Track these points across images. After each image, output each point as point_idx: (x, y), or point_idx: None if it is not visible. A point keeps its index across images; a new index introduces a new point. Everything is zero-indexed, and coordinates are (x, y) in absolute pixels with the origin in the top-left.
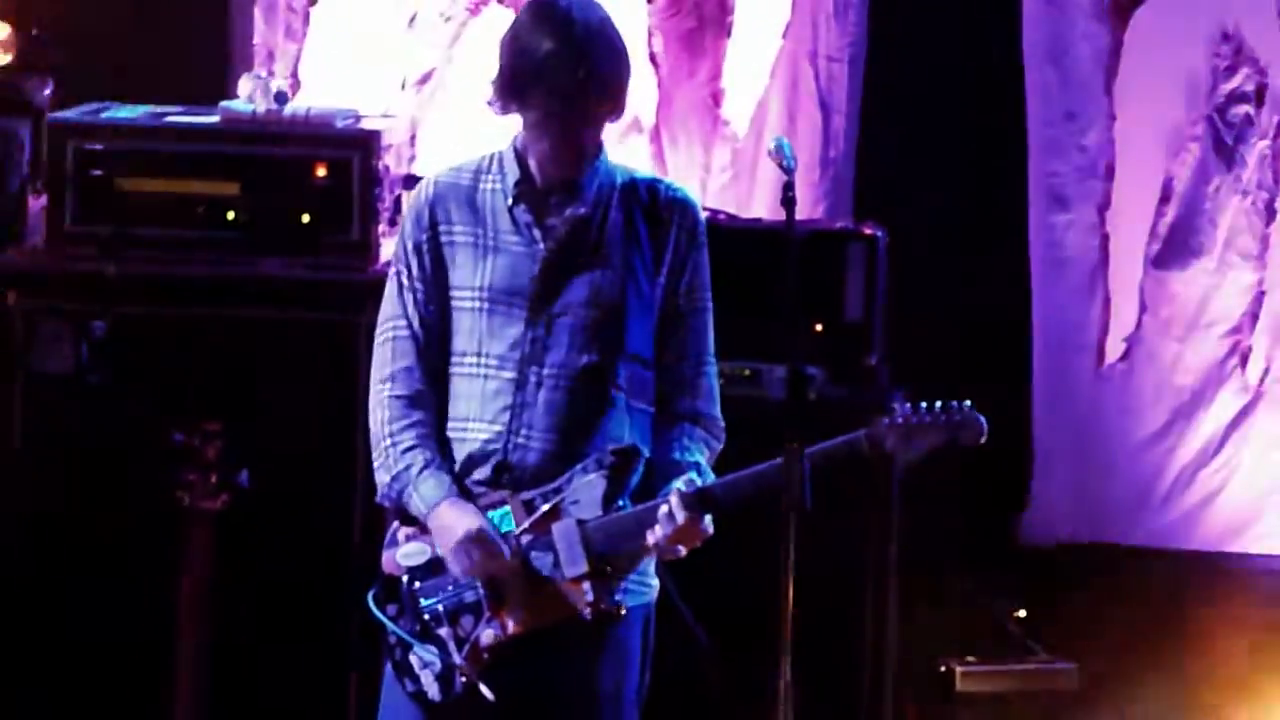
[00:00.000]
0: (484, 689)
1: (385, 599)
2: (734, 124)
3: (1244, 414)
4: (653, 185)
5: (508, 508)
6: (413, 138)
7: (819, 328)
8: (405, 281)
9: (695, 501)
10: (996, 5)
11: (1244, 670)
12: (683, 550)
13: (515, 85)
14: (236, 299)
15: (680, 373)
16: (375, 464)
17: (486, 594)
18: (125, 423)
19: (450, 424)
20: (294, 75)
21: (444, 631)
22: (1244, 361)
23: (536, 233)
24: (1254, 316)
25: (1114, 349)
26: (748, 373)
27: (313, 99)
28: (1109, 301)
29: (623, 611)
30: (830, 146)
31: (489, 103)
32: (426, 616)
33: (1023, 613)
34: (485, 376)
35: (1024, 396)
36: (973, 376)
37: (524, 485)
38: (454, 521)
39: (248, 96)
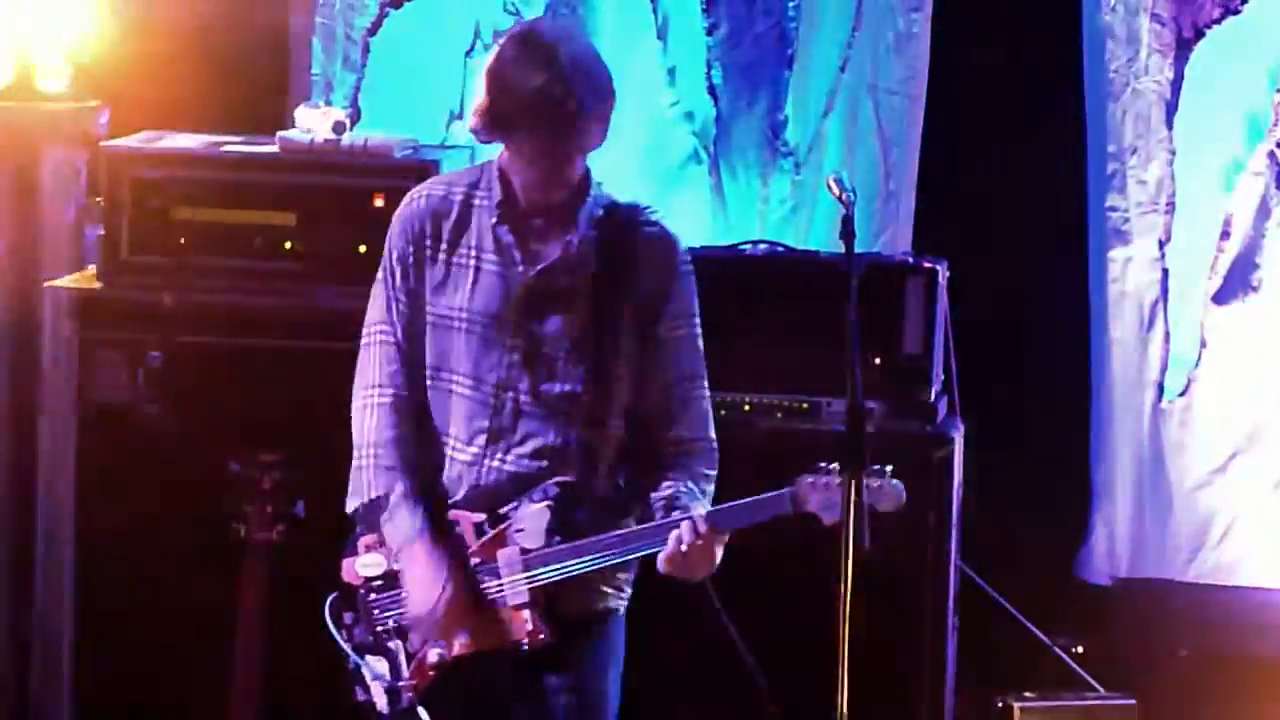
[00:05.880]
0: (421, 711)
1: (343, 606)
2: (793, 156)
3: None
4: (631, 216)
5: (460, 528)
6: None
7: (877, 361)
8: (390, 291)
9: (713, 519)
10: (1058, 38)
11: None
12: (693, 569)
13: (502, 117)
14: (293, 329)
15: (665, 401)
16: (354, 467)
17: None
18: (181, 453)
19: (437, 437)
20: (353, 105)
21: (394, 645)
22: None
23: (517, 254)
24: None
25: (1174, 385)
26: (805, 406)
27: (371, 129)
28: (1168, 337)
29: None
30: (890, 179)
31: (472, 130)
32: (379, 628)
33: (1081, 648)
34: (466, 397)
35: (1083, 431)
36: (1032, 411)
37: (479, 506)
38: (425, 565)
39: (306, 126)
